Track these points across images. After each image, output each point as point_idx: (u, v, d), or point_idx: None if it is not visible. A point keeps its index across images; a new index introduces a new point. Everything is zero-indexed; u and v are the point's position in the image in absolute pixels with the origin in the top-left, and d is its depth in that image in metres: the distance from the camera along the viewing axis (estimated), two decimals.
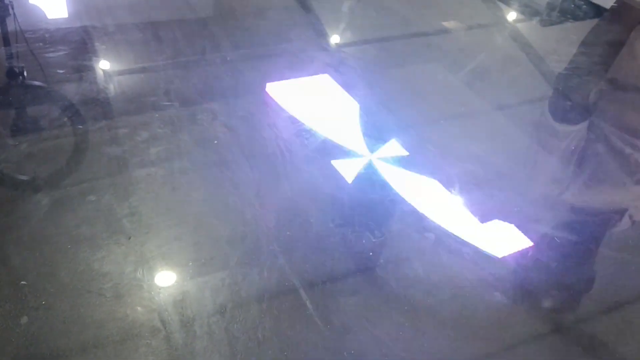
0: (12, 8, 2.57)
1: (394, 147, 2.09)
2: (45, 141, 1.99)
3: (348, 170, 1.98)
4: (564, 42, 2.92)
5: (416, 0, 3.24)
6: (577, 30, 3.02)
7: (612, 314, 1.61)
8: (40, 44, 2.43)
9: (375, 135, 2.14)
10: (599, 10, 3.14)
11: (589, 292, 1.65)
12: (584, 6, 3.20)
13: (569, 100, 2.41)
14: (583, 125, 2.24)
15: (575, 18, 3.12)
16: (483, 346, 1.50)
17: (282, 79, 2.40)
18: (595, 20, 3.09)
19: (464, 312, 1.58)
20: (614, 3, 3.16)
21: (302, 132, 2.14)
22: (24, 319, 1.43)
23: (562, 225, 1.83)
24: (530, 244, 1.76)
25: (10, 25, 2.50)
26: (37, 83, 2.22)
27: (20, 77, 2.27)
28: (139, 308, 1.50)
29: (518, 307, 1.61)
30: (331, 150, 2.06)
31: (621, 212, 1.89)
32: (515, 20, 3.09)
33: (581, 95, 2.44)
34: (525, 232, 1.80)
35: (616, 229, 1.86)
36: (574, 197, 1.94)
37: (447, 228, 1.80)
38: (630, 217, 1.88)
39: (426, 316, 1.55)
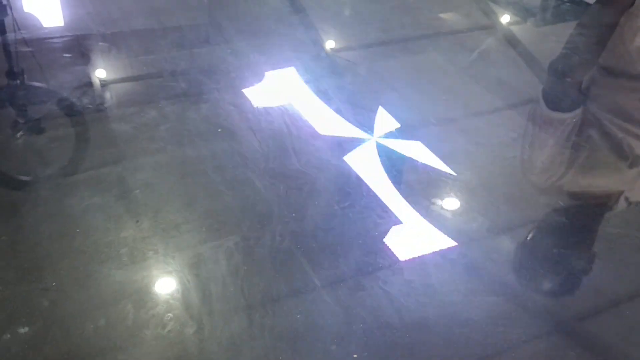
0: (11, 10, 2.58)
1: (398, 128, 2.12)
2: (55, 126, 2.02)
3: (353, 148, 2.02)
4: (559, 35, 2.98)
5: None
6: (569, 27, 3.07)
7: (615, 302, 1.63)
8: (39, 41, 2.45)
9: (377, 114, 2.18)
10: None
11: (589, 271, 1.67)
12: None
13: (562, 87, 2.45)
14: (577, 112, 2.28)
15: (570, 14, 3.18)
16: (494, 299, 1.53)
17: (285, 61, 2.45)
18: (587, 8, 3.14)
19: (473, 271, 1.61)
20: None
21: (307, 111, 2.18)
22: (44, 300, 1.45)
23: (561, 208, 1.86)
24: (530, 225, 1.79)
25: (9, 27, 2.50)
26: (37, 84, 2.22)
27: (20, 77, 2.26)
28: (155, 271, 1.53)
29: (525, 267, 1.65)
30: (336, 127, 2.10)
31: (617, 194, 1.94)
32: (510, 21, 3.14)
33: (574, 82, 2.48)
34: (525, 214, 1.83)
35: (614, 211, 1.90)
36: (571, 181, 1.98)
37: (448, 206, 1.84)
38: (627, 198, 1.92)
39: (436, 273, 1.59)
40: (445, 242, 1.68)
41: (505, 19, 2.90)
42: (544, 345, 1.44)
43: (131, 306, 1.44)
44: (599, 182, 1.99)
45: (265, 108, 2.16)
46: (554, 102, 2.33)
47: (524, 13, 3.00)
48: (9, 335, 1.35)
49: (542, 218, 1.83)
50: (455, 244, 1.68)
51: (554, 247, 1.70)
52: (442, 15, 2.98)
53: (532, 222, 1.81)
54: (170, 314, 1.42)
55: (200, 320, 1.42)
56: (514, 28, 2.90)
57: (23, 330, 1.36)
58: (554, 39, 2.82)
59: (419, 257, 1.64)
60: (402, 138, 2.06)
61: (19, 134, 1.94)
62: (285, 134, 2.05)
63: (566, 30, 2.83)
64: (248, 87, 2.26)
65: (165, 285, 1.50)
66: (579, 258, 1.67)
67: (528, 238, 1.74)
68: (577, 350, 1.43)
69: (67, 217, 1.66)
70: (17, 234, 1.60)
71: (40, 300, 1.43)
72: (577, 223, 1.80)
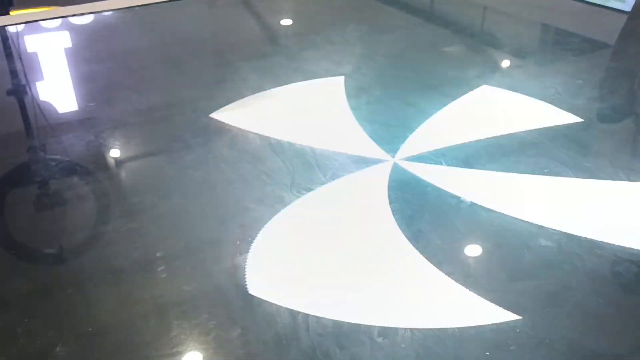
0: (30, 88, 2.64)
1: (416, 145, 2.15)
2: (86, 174, 2.07)
3: (375, 164, 2.04)
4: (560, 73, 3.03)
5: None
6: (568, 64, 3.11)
7: None
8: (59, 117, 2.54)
9: (400, 136, 2.22)
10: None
11: None
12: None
13: (612, 101, 2.47)
14: (630, 119, 2.33)
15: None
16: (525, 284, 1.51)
17: (300, 91, 2.52)
18: (619, 27, 3.20)
19: (507, 258, 1.61)
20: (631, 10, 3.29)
21: (328, 131, 2.23)
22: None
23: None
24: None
25: (29, 105, 2.52)
26: (74, 152, 2.16)
27: (42, 152, 2.19)
28: (193, 284, 1.54)
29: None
30: (358, 146, 2.13)
31: None
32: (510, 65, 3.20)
33: (622, 93, 2.52)
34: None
35: None
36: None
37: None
38: None
39: (474, 265, 1.58)
40: (474, 236, 1.68)
41: (505, 63, 2.90)
42: (590, 329, 1.41)
43: (174, 318, 1.44)
44: None
45: (286, 131, 2.21)
46: (604, 115, 2.34)
47: (523, 54, 3.03)
48: None
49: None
50: (485, 233, 1.68)
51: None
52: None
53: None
54: (214, 322, 1.42)
55: (243, 324, 1.41)
56: (515, 71, 2.91)
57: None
58: (556, 77, 2.80)
59: (448, 252, 1.63)
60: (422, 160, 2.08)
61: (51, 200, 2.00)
62: (308, 153, 2.09)
63: (567, 67, 2.83)
64: (268, 114, 2.33)
65: (205, 296, 1.50)
66: None
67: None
68: None
69: (105, 242, 1.68)
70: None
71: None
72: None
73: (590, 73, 2.68)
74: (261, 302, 1.47)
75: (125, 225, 1.74)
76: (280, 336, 1.38)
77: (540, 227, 1.70)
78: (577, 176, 1.93)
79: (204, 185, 1.93)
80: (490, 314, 1.42)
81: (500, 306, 1.44)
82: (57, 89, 2.63)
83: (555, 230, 1.69)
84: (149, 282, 1.55)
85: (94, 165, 2.04)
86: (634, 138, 2.22)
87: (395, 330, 1.38)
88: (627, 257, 1.59)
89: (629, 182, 1.90)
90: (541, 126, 2.22)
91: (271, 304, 1.46)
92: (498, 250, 1.64)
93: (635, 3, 3.32)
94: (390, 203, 1.80)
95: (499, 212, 1.76)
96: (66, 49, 3.01)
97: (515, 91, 2.49)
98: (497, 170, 1.96)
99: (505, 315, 1.41)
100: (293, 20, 3.49)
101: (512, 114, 2.33)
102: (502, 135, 2.17)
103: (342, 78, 2.60)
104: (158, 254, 1.64)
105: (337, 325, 1.40)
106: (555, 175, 1.93)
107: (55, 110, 2.44)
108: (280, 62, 2.83)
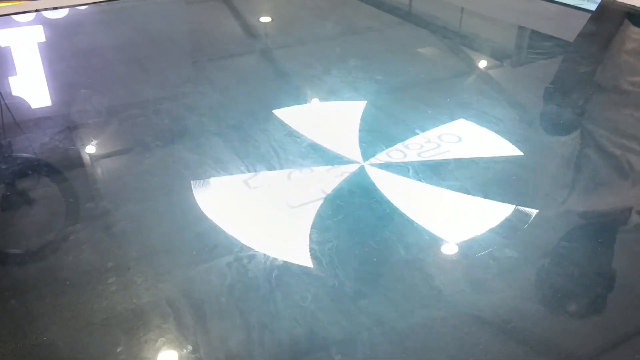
0: None
1: (386, 152, 2.11)
2: (45, 175, 1.99)
3: (344, 168, 1.99)
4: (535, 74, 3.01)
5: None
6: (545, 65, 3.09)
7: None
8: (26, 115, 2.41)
9: (362, 139, 2.17)
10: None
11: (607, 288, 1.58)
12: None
13: (558, 112, 2.41)
14: (575, 134, 2.23)
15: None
16: (501, 295, 1.46)
17: (268, 91, 2.45)
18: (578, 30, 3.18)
19: (476, 270, 1.55)
20: (596, 8, 3.27)
21: (293, 133, 2.16)
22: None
23: (572, 228, 1.77)
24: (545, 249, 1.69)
25: None
26: (26, 155, 2.09)
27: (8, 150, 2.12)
28: (145, 298, 1.46)
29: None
30: (322, 148, 2.07)
31: (628, 210, 1.84)
32: (487, 65, 3.18)
33: (569, 105, 2.45)
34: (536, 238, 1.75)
35: (626, 227, 1.81)
36: (577, 202, 1.89)
37: (447, 210, 1.80)
38: (638, 213, 1.82)
39: (439, 276, 1.53)
40: (445, 244, 1.63)
41: (482, 63, 2.86)
42: (556, 341, 1.36)
43: (122, 333, 1.36)
44: (606, 199, 1.90)
45: (249, 134, 2.14)
46: (550, 126, 2.28)
47: (499, 55, 3.01)
48: None
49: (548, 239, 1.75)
50: (456, 246, 1.62)
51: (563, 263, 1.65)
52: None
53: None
54: (164, 338, 1.35)
55: (195, 341, 1.34)
56: (492, 72, 2.88)
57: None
58: (532, 78, 2.78)
59: (419, 261, 1.58)
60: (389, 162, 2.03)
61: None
62: (272, 157, 2.02)
63: (543, 67, 2.80)
64: (231, 116, 2.25)
65: (157, 310, 1.42)
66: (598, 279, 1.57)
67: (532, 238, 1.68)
68: None
69: (53, 251, 1.60)
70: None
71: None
72: (590, 240, 1.71)
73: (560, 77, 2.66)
74: (214, 316, 1.40)
75: (75, 234, 1.66)
76: (233, 355, 1.31)
77: None
78: None
79: (161, 190, 1.86)
80: None
81: None
82: (13, 88, 2.52)
83: None
84: (98, 294, 1.47)
85: (46, 169, 1.95)
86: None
87: None
88: None
89: None
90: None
91: (225, 319, 1.39)
92: None
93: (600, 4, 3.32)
94: None
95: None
96: (27, 46, 2.90)
97: (488, 94, 2.46)
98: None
99: None
100: (266, 20, 3.42)
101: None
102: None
103: (305, 84, 2.54)
104: (109, 264, 1.56)
105: (295, 341, 1.34)
106: None
107: (8, 110, 2.33)
108: (248, 62, 2.76)
